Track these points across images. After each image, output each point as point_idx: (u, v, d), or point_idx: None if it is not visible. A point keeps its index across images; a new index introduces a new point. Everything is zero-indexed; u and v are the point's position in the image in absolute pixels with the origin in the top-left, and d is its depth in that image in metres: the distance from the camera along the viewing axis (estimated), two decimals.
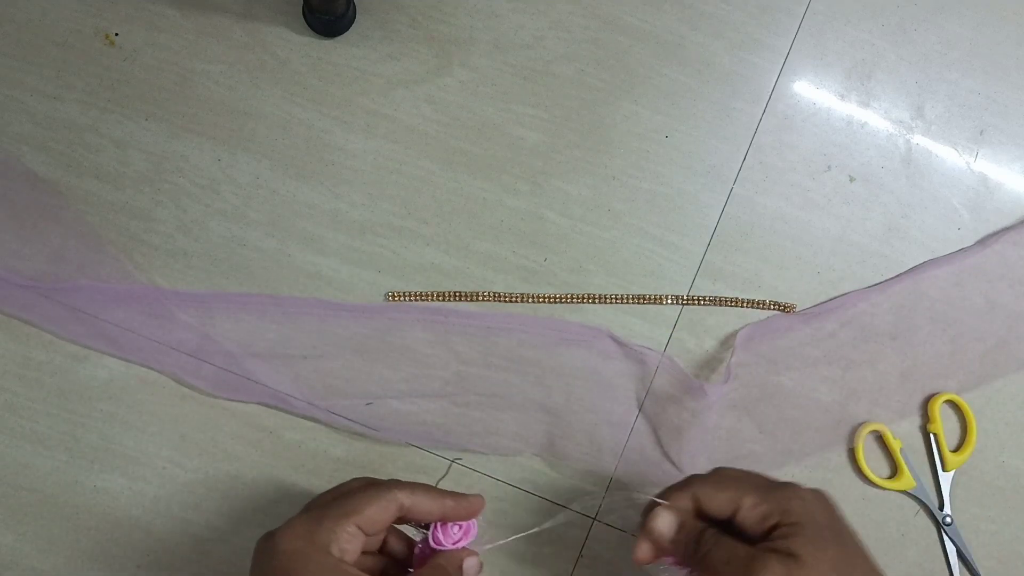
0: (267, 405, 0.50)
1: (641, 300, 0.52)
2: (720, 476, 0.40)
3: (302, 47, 0.51)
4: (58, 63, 0.50)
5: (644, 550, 0.40)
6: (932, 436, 0.53)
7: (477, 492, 0.40)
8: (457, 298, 0.51)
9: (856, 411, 0.52)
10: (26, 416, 0.49)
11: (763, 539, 0.37)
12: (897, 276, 0.53)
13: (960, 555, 0.52)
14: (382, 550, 0.41)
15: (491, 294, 0.51)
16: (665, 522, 0.39)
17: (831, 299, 0.53)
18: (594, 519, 0.51)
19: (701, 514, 0.39)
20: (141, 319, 0.49)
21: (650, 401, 0.51)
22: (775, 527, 0.36)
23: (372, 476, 0.39)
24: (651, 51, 0.53)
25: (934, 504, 0.52)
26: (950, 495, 0.52)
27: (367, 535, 0.36)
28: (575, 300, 0.51)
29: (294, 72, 0.51)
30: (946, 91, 0.54)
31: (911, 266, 0.53)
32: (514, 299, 0.51)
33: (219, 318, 0.49)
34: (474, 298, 0.51)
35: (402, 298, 0.51)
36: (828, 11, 0.54)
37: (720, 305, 0.52)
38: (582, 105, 0.52)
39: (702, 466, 0.51)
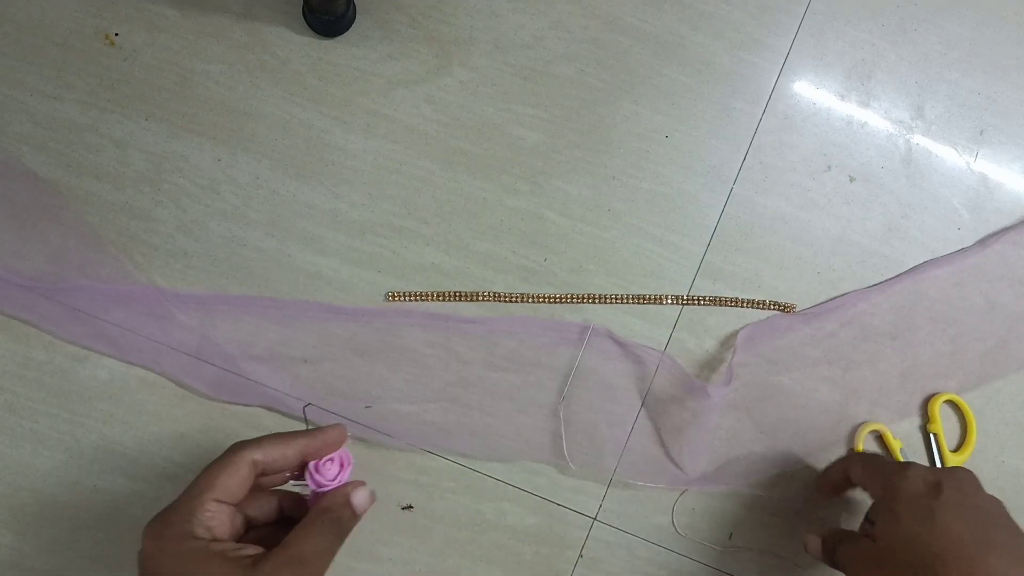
0: (267, 407, 0.50)
1: (641, 300, 0.52)
2: (867, 461, 0.46)
3: (302, 47, 0.51)
4: (58, 63, 0.50)
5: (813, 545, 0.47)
6: (932, 436, 0.53)
7: (337, 426, 0.39)
8: (457, 298, 0.51)
9: (856, 411, 0.52)
10: (26, 416, 0.49)
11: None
12: (897, 276, 0.53)
13: None
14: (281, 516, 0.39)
15: (491, 294, 0.51)
16: (813, 545, 0.46)
17: (831, 299, 0.53)
18: (594, 519, 0.51)
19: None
20: (141, 320, 0.49)
21: (650, 401, 0.51)
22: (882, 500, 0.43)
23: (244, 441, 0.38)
24: (651, 51, 0.53)
25: None
26: None
27: (233, 504, 0.35)
28: (575, 300, 0.51)
29: (294, 72, 0.51)
30: (946, 91, 0.54)
31: (911, 266, 0.53)
32: (514, 299, 0.51)
33: (219, 319, 0.49)
34: (474, 298, 0.51)
35: (402, 298, 0.51)
36: (828, 11, 0.53)
37: (720, 305, 0.52)
38: (582, 105, 0.52)
39: (703, 466, 0.51)
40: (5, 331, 0.49)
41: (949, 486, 0.41)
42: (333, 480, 0.38)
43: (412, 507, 0.51)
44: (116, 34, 0.50)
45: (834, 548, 0.45)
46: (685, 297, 0.52)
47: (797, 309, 0.52)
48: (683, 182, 0.52)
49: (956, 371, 0.53)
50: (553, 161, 0.52)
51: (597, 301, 0.51)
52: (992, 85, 0.54)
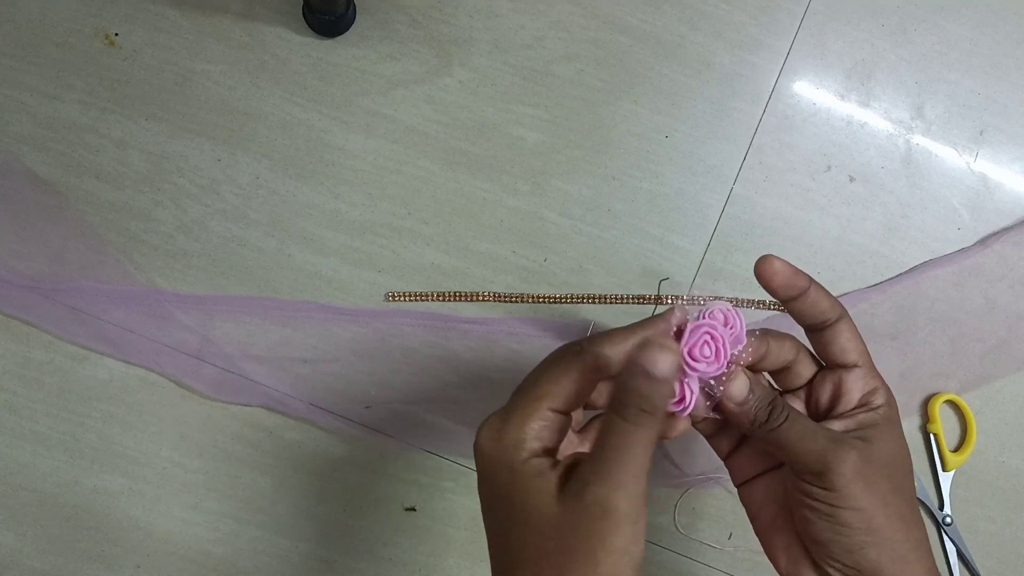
0: (267, 408, 0.50)
1: (641, 300, 0.52)
2: (840, 330, 0.35)
3: (302, 47, 0.51)
4: (58, 63, 0.50)
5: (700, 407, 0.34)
6: (932, 436, 0.53)
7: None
8: (457, 298, 0.51)
9: None
10: (26, 416, 0.49)
11: (830, 416, 0.34)
12: (897, 276, 0.53)
13: (960, 555, 0.52)
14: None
15: (491, 294, 0.51)
16: (739, 387, 0.33)
17: None
18: None
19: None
20: (141, 320, 0.49)
21: None
22: (862, 409, 0.34)
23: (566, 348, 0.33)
24: (651, 51, 0.53)
25: (934, 504, 0.52)
26: (950, 495, 0.52)
27: (568, 412, 0.31)
28: (575, 300, 0.51)
29: (294, 72, 0.51)
30: (946, 91, 0.54)
31: (911, 266, 0.53)
32: (514, 299, 0.51)
33: (219, 320, 0.49)
34: (474, 298, 0.51)
35: (402, 298, 0.51)
36: (828, 11, 0.53)
37: None
38: (582, 105, 0.52)
39: (702, 466, 0.51)
40: (5, 331, 0.49)
41: (887, 430, 0.35)
42: (713, 361, 0.30)
43: (415, 509, 0.50)
44: (116, 34, 0.50)
45: (769, 416, 0.33)
46: (685, 297, 0.52)
47: None
48: (683, 182, 0.52)
49: (956, 371, 0.53)
50: (553, 161, 0.52)
51: (597, 301, 0.51)
52: (992, 85, 0.54)
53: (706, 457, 0.51)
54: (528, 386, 0.32)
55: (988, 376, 0.53)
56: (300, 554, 0.50)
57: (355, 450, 0.50)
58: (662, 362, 0.27)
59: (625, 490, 0.28)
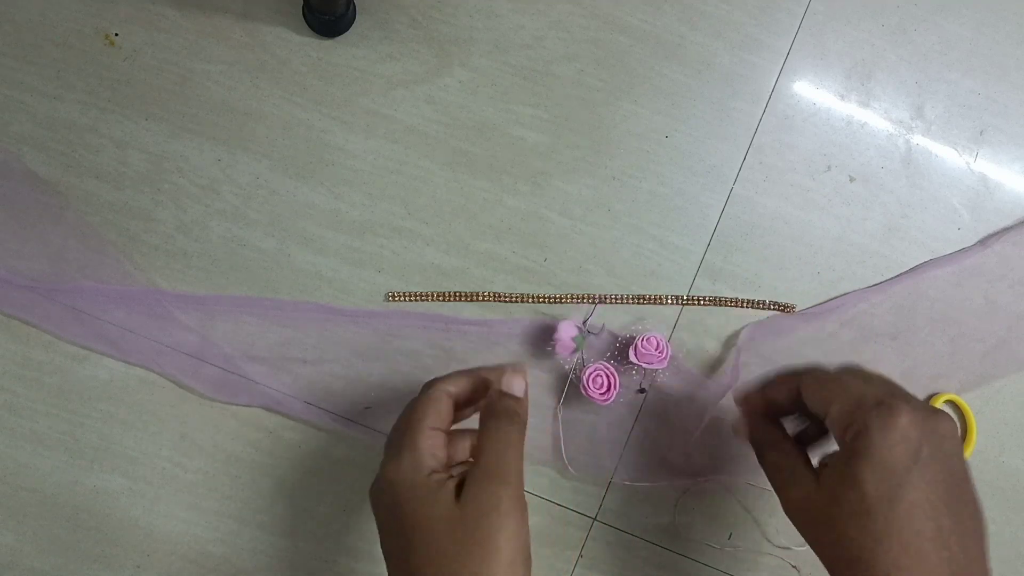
0: (267, 408, 0.50)
1: (641, 300, 0.52)
2: (821, 376, 0.41)
3: (302, 47, 0.51)
4: (58, 63, 0.50)
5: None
6: None
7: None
8: (457, 298, 0.51)
9: None
10: (26, 416, 0.49)
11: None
12: (897, 276, 0.53)
13: None
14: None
15: (491, 294, 0.51)
16: (738, 425, 0.44)
17: (831, 299, 0.53)
18: (594, 519, 0.51)
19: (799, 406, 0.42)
20: (141, 320, 0.49)
21: (651, 400, 0.51)
22: (846, 442, 0.37)
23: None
24: (651, 51, 0.53)
25: None
26: None
27: (445, 430, 0.39)
28: (575, 300, 0.51)
29: (294, 72, 0.51)
30: (946, 91, 0.54)
31: (911, 266, 0.53)
32: (514, 299, 0.51)
33: (219, 320, 0.49)
34: (474, 298, 0.51)
35: (402, 298, 0.51)
36: (828, 11, 0.53)
37: (720, 305, 0.52)
38: (582, 105, 0.52)
39: (701, 466, 0.51)
40: (5, 331, 0.49)
41: (929, 448, 0.36)
42: (602, 390, 0.48)
43: None
44: (116, 34, 0.50)
45: (762, 455, 0.42)
46: (685, 297, 0.52)
47: (797, 309, 0.52)
48: (683, 182, 0.52)
49: (956, 371, 0.53)
50: (553, 161, 0.52)
51: (597, 301, 0.51)
52: (992, 85, 0.54)
53: (707, 456, 0.51)
54: (405, 420, 0.39)
55: (988, 376, 0.53)
56: (300, 554, 0.50)
57: (355, 450, 0.50)
58: (517, 385, 0.39)
59: (509, 485, 0.35)
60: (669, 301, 0.52)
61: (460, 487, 0.36)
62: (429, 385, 0.40)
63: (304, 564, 0.50)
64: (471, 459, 0.42)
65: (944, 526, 0.36)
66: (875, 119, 0.54)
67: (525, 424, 0.39)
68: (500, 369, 0.41)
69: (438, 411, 0.38)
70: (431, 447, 0.37)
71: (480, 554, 0.34)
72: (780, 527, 0.52)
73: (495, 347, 0.51)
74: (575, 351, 0.49)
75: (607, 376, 0.48)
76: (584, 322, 0.51)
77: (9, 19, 0.50)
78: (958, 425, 0.40)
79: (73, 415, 0.49)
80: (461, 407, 0.41)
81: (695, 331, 0.52)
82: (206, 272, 0.50)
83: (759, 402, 0.44)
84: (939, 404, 0.52)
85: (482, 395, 0.40)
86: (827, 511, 0.37)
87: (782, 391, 0.42)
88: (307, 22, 0.50)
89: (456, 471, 0.38)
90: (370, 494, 0.38)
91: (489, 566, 0.34)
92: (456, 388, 0.40)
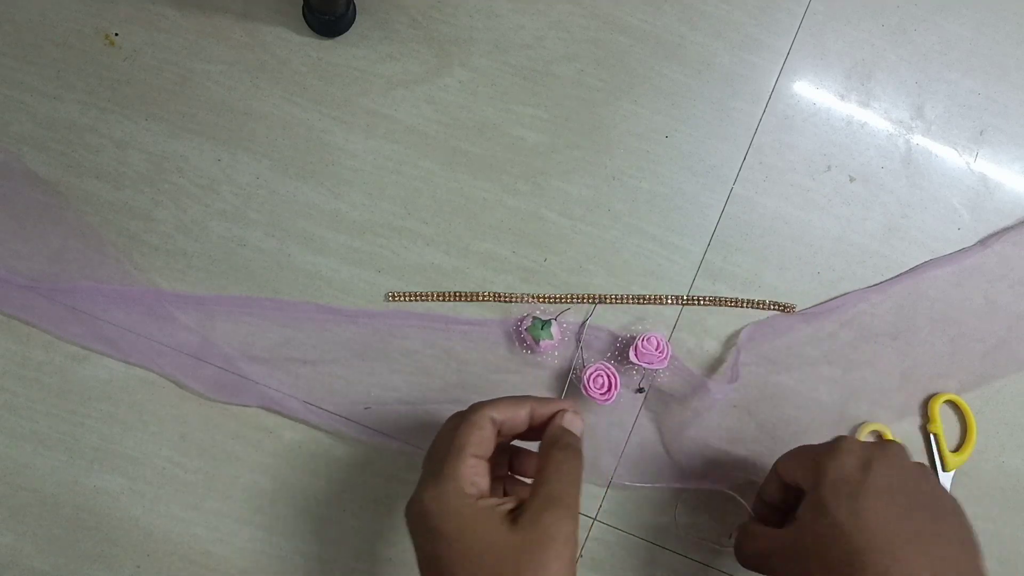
0: (267, 408, 0.50)
1: (641, 300, 0.52)
2: (791, 453, 0.44)
3: (302, 47, 0.51)
4: (58, 63, 0.50)
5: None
6: (932, 436, 0.53)
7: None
8: (457, 298, 0.51)
9: (856, 411, 0.52)
10: (26, 416, 0.49)
11: None
12: (897, 276, 0.53)
13: None
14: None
15: (491, 294, 0.51)
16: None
17: (831, 299, 0.53)
18: (594, 519, 0.51)
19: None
20: (141, 320, 0.49)
21: (651, 400, 0.51)
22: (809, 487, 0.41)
23: (456, 413, 0.40)
24: (651, 51, 0.53)
25: None
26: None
27: (485, 458, 0.38)
28: (575, 300, 0.51)
29: (294, 72, 0.51)
30: (946, 91, 0.54)
31: (911, 266, 0.53)
32: (514, 299, 0.51)
33: (219, 320, 0.49)
34: (474, 298, 0.51)
35: (402, 298, 0.51)
36: (828, 11, 0.53)
37: (720, 305, 0.52)
38: (582, 105, 0.52)
39: (701, 466, 0.51)
40: (5, 331, 0.49)
41: (879, 462, 0.40)
42: (602, 391, 0.49)
43: None
44: (116, 34, 0.50)
45: (740, 544, 0.44)
46: (685, 297, 0.52)
47: (797, 309, 0.52)
48: (683, 182, 0.52)
49: (956, 371, 0.53)
50: (553, 161, 0.52)
51: (597, 301, 0.51)
52: (992, 85, 0.54)
53: (707, 457, 0.51)
54: (443, 446, 0.38)
55: (988, 376, 0.53)
56: (300, 554, 0.50)
57: (355, 450, 0.50)
58: (577, 426, 0.40)
59: (572, 514, 0.35)
60: (669, 301, 0.52)
61: (515, 510, 0.35)
62: (474, 409, 0.39)
63: (304, 564, 0.50)
64: (522, 483, 0.43)
65: (922, 529, 0.37)
66: (875, 119, 0.54)
67: (583, 463, 0.38)
68: (552, 402, 0.40)
69: (481, 439, 0.37)
70: (472, 474, 0.36)
71: None
72: None
73: (495, 347, 0.51)
74: (549, 343, 0.49)
75: (607, 376, 0.48)
76: (583, 323, 0.51)
77: (9, 19, 0.50)
78: (905, 449, 0.42)
79: (73, 415, 0.49)
80: (503, 435, 0.40)
81: (695, 331, 0.52)
82: (206, 272, 0.50)
83: (763, 529, 0.45)
84: (939, 404, 0.52)
85: (522, 425, 0.40)
86: (798, 546, 0.40)
87: (771, 488, 0.45)
88: (307, 22, 0.50)
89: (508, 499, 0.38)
90: (407, 516, 0.37)
91: None
92: (501, 416, 0.39)
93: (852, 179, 0.53)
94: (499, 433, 0.39)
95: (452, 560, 0.34)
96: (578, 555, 0.51)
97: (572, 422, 0.39)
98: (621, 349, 0.50)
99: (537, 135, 0.52)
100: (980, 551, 0.38)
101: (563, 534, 0.34)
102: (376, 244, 0.51)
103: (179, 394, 0.50)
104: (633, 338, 0.49)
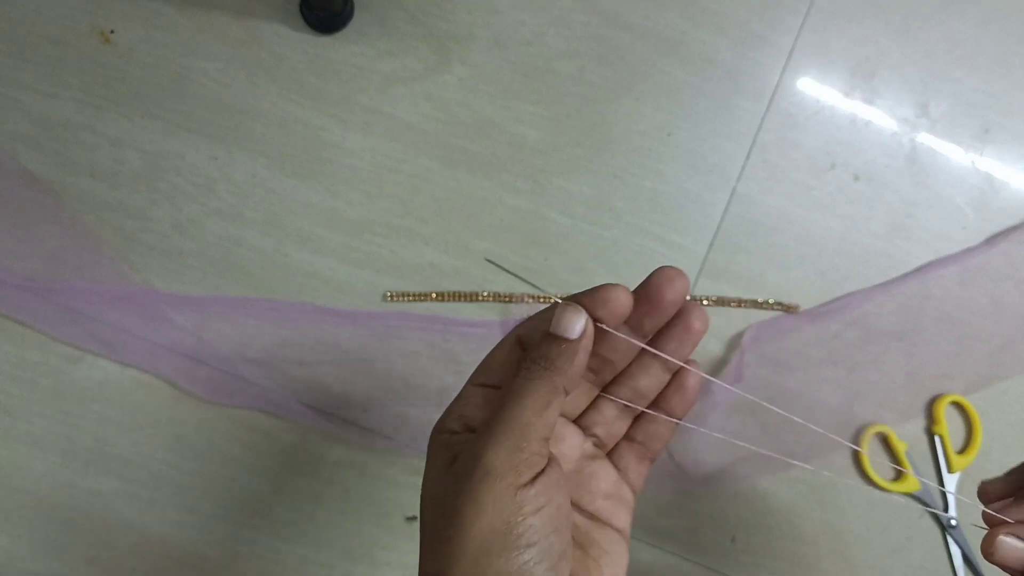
0: (263, 410, 0.49)
1: None
2: None
3: (299, 44, 0.51)
4: (53, 60, 0.49)
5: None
6: (937, 438, 0.52)
7: None
8: (456, 298, 0.50)
9: (861, 412, 0.52)
10: (21, 417, 0.49)
11: None
12: (902, 276, 0.53)
13: (965, 558, 0.52)
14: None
15: (491, 294, 0.50)
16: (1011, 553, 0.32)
17: (835, 299, 0.52)
18: None
19: None
20: (136, 321, 0.48)
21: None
22: None
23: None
24: (653, 48, 0.52)
25: (939, 506, 0.52)
26: (955, 497, 0.52)
27: (493, 385, 0.30)
28: None
29: (291, 69, 0.50)
30: (951, 89, 0.54)
31: (916, 266, 0.53)
32: (514, 299, 0.51)
33: (215, 321, 0.49)
34: (474, 298, 0.50)
35: (400, 298, 0.50)
36: (832, 8, 0.53)
37: (723, 305, 0.52)
38: (583, 102, 0.52)
39: (706, 467, 0.51)
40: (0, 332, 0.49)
41: None
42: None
43: (417, 518, 0.50)
44: (112, 31, 0.50)
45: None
46: (688, 297, 0.52)
47: (801, 309, 0.52)
48: (685, 180, 0.52)
49: (961, 372, 0.52)
50: (554, 159, 0.51)
51: None
52: (997, 83, 0.54)
53: (711, 458, 0.51)
54: (505, 408, 0.28)
55: (994, 377, 0.53)
56: (296, 558, 0.50)
57: (352, 453, 0.50)
58: (576, 323, 0.28)
59: (499, 447, 0.26)
60: None
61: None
62: (500, 346, 0.31)
63: (301, 568, 0.50)
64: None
65: None
66: (879, 117, 0.53)
67: (563, 378, 0.28)
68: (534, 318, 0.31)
69: (488, 364, 0.30)
70: (461, 407, 0.30)
71: (452, 526, 0.26)
72: (784, 531, 0.51)
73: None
74: None
75: None
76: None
77: (4, 16, 0.49)
78: None
79: (68, 416, 0.49)
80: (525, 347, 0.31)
81: None
82: (202, 272, 0.50)
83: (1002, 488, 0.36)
84: (944, 405, 0.52)
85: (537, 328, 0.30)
86: None
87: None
88: (304, 18, 0.50)
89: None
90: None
91: (450, 548, 0.25)
92: (526, 331, 0.30)
93: (856, 177, 0.53)
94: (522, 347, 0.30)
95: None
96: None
97: (561, 321, 0.29)
98: None
99: (537, 133, 0.51)
100: None
101: (489, 469, 0.26)
102: (374, 243, 0.50)
103: (175, 396, 0.49)
104: None
